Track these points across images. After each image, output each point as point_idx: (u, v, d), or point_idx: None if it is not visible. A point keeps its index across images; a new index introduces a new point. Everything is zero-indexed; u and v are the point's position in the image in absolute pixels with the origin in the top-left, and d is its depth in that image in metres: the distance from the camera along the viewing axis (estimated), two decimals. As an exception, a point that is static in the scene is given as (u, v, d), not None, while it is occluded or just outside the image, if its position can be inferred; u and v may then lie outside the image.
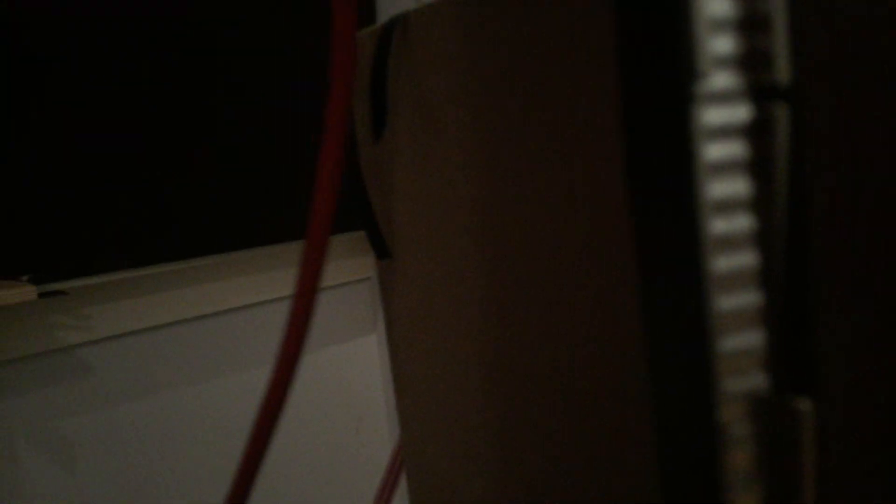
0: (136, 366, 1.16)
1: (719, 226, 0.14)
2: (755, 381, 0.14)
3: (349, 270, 1.39)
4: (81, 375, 1.12)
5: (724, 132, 0.14)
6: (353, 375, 1.42)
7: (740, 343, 0.14)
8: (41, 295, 1.02)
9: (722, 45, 0.13)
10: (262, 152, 1.18)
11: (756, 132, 0.14)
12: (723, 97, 0.14)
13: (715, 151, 0.14)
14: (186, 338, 1.21)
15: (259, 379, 1.27)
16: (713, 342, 0.14)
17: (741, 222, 0.14)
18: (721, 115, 0.14)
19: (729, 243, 0.14)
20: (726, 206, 0.14)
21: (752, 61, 0.14)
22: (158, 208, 1.11)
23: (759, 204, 0.14)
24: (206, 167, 1.15)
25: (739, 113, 0.14)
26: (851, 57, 0.14)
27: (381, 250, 0.40)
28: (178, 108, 1.11)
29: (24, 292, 0.96)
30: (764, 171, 0.14)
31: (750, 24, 0.14)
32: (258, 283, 1.26)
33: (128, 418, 1.16)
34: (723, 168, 0.14)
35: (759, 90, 0.14)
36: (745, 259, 0.14)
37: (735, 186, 0.14)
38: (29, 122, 0.99)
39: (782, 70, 0.14)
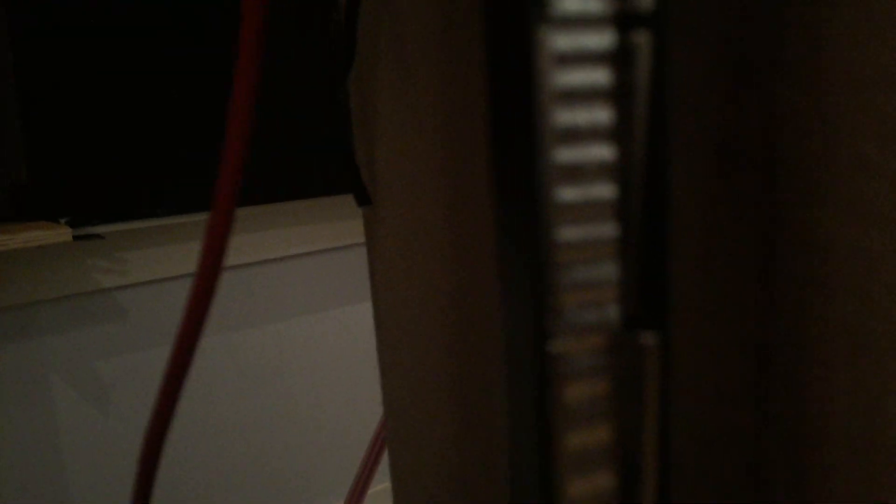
0: (170, 311, 1.21)
1: (570, 155, 0.14)
2: (605, 313, 0.14)
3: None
4: (116, 318, 1.17)
5: (580, 58, 0.14)
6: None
7: (591, 275, 0.14)
8: (78, 238, 1.06)
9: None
10: (308, 107, 1.19)
11: (616, 59, 0.14)
12: (580, 22, 0.14)
13: (569, 78, 0.14)
14: (220, 286, 1.24)
15: (291, 329, 1.30)
16: (553, 271, 0.14)
17: (596, 152, 0.14)
18: (577, 41, 0.14)
19: (582, 174, 0.14)
20: (580, 136, 0.14)
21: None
22: (198, 157, 1.14)
23: (616, 134, 0.14)
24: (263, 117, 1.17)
25: (599, 39, 0.14)
26: None
27: (361, 196, 0.40)
28: (222, 57, 1.13)
29: (60, 233, 1.00)
30: (623, 99, 0.14)
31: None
32: (293, 236, 1.28)
33: (160, 361, 1.21)
34: (578, 95, 0.14)
35: (620, 16, 0.14)
36: (601, 190, 0.14)
37: (590, 115, 0.14)
38: (74, 70, 1.02)
39: (644, -5, 0.14)
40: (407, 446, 0.39)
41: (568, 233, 0.14)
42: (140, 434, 1.20)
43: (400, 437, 0.41)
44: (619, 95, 0.14)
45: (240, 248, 1.24)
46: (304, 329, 1.31)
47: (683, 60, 0.15)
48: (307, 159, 1.21)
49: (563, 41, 0.14)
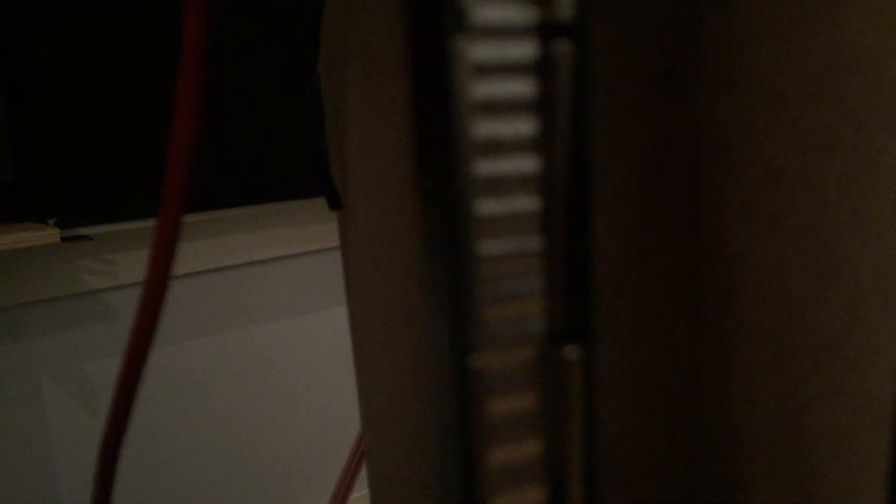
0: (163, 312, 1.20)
1: (492, 167, 0.14)
2: (530, 327, 0.14)
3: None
4: (105, 319, 1.17)
5: (501, 69, 0.14)
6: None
7: (515, 288, 0.14)
8: (66, 239, 1.06)
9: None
10: (294, 110, 1.19)
11: (538, 69, 0.14)
12: (500, 32, 0.14)
13: (489, 89, 0.14)
14: (209, 288, 1.24)
15: (279, 330, 1.30)
16: (475, 285, 0.14)
17: (519, 164, 0.14)
18: (498, 52, 0.14)
19: (505, 186, 0.14)
20: (502, 147, 0.14)
21: (534, -4, 0.13)
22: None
23: (539, 146, 0.14)
24: (236, 121, 1.17)
25: (520, 50, 0.14)
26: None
27: (333, 200, 0.40)
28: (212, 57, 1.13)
29: (48, 235, 1.00)
30: (546, 110, 0.14)
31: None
32: (281, 237, 1.28)
33: (149, 363, 1.21)
34: (499, 106, 0.14)
35: (541, 27, 0.14)
36: (524, 203, 0.14)
37: (513, 127, 0.14)
38: (62, 69, 1.02)
39: (566, 6, 0.14)
40: (383, 453, 0.39)
41: (491, 246, 0.14)
42: (128, 435, 1.20)
43: (376, 444, 0.40)
44: (541, 106, 0.14)
45: (228, 250, 1.24)
46: (292, 330, 1.31)
47: (607, 71, 0.15)
48: (297, 160, 1.21)
49: (482, 52, 0.14)
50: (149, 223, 1.14)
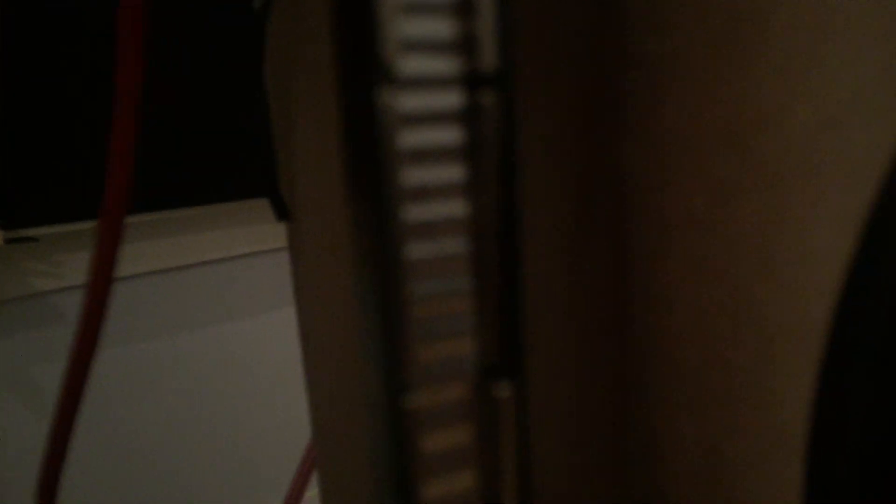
0: (108, 313, 1.19)
1: (422, 212, 0.14)
2: (463, 365, 0.15)
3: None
4: (53, 322, 1.15)
5: (428, 118, 0.14)
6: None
7: (448, 328, 0.15)
8: (11, 241, 1.04)
9: (421, 30, 0.14)
10: (234, 109, 1.18)
11: (466, 118, 0.14)
12: (426, 83, 0.14)
13: (417, 137, 0.14)
14: (157, 289, 1.23)
15: (232, 331, 1.29)
16: (407, 326, 0.14)
17: (449, 209, 0.15)
18: (426, 101, 0.14)
19: (435, 229, 0.14)
20: (431, 193, 0.14)
21: (461, 48, 0.14)
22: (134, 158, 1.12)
23: (468, 191, 0.14)
24: (185, 120, 1.15)
25: (446, 99, 0.14)
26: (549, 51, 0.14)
27: (280, 211, 0.40)
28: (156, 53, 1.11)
29: (-10, 237, 0.98)
30: (473, 157, 0.14)
31: (457, 10, 0.14)
32: (233, 237, 1.27)
33: (98, 366, 1.19)
34: (427, 154, 0.14)
35: (468, 77, 0.14)
36: (454, 246, 0.15)
37: (440, 173, 0.14)
38: (3, 70, 0.99)
39: (490, 57, 0.14)
40: (332, 462, 0.40)
41: (423, 287, 0.15)
42: (78, 441, 1.18)
43: (325, 453, 0.41)
44: (468, 154, 0.14)
45: (180, 250, 1.23)
46: (246, 330, 1.30)
47: (534, 119, 0.15)
48: (248, 160, 1.21)
49: (409, 101, 0.14)
50: (95, 224, 1.12)
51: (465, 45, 0.14)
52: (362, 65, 0.14)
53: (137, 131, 0.23)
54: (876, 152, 0.14)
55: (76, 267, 1.12)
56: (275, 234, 1.30)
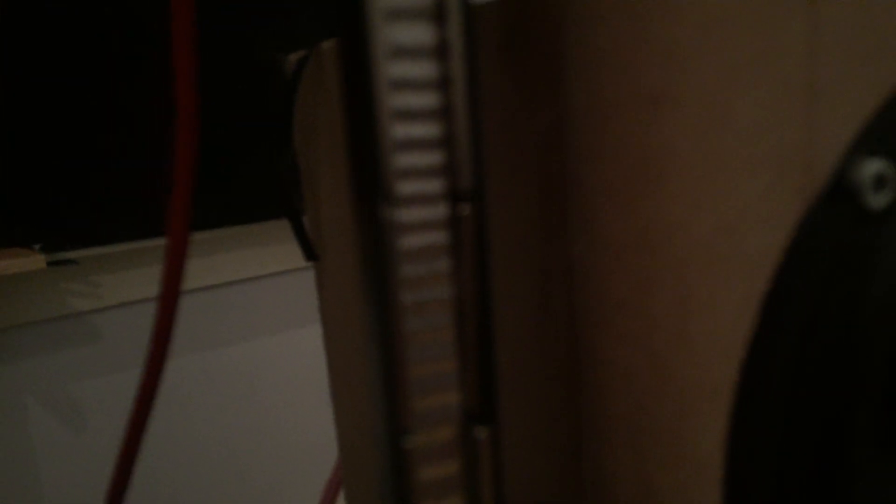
0: (144, 333, 1.25)
1: (417, 296, 0.19)
2: (451, 412, 0.20)
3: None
4: (91, 341, 1.21)
5: (421, 226, 0.19)
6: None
7: (438, 383, 0.19)
8: (52, 263, 1.11)
9: (414, 160, 0.18)
10: (265, 140, 1.24)
11: (451, 226, 0.19)
12: (420, 199, 0.19)
13: (412, 241, 0.19)
14: (193, 307, 1.28)
15: (263, 349, 1.35)
16: (406, 382, 0.19)
17: (439, 292, 0.19)
18: (418, 214, 0.19)
19: (427, 309, 0.19)
20: (424, 281, 0.19)
21: (445, 171, 0.19)
22: (169, 181, 1.18)
23: (454, 279, 0.19)
24: (216, 142, 1.21)
25: (434, 211, 0.19)
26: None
27: (308, 252, 0.45)
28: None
29: (33, 261, 1.04)
30: (455, 255, 0.19)
31: (441, 143, 0.19)
32: (262, 256, 1.33)
33: (135, 383, 1.25)
34: (420, 253, 0.19)
35: (450, 194, 0.19)
36: (442, 321, 0.19)
37: (432, 266, 0.19)
38: (42, 94, 1.06)
39: (467, 178, 0.19)
40: (357, 482, 0.45)
41: (418, 353, 0.19)
42: (116, 455, 1.24)
43: (351, 473, 0.46)
44: (451, 252, 0.19)
45: (209, 270, 1.29)
46: (274, 348, 1.36)
47: (504, 222, 0.20)
48: (276, 182, 1.26)
49: (405, 214, 0.19)
50: (134, 245, 1.18)
51: (449, 170, 0.19)
52: (368, 187, 0.19)
53: (197, 155, 0.28)
54: (767, 252, 0.19)
55: (113, 287, 1.19)
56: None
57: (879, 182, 0.19)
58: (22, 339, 1.13)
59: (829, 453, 0.20)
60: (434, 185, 0.19)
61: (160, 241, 1.19)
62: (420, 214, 0.19)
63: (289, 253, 1.35)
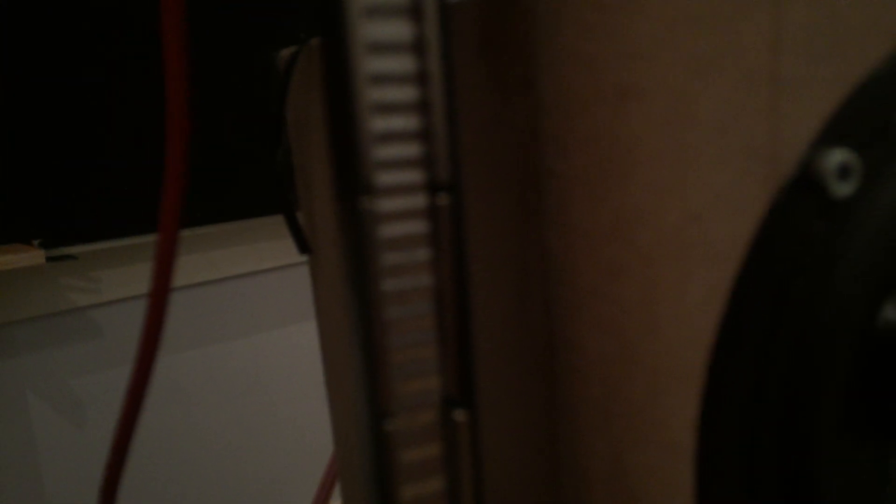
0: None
1: (398, 284, 0.20)
2: (430, 395, 0.20)
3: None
4: (91, 336, 1.22)
5: (401, 216, 0.20)
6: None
7: (419, 369, 0.20)
8: (52, 259, 1.12)
9: (393, 152, 0.19)
10: (261, 136, 1.24)
11: (429, 216, 0.20)
12: (399, 190, 0.20)
13: (393, 229, 0.20)
14: (192, 302, 1.29)
15: (263, 344, 1.35)
16: (387, 368, 0.20)
17: (419, 281, 0.20)
18: (397, 204, 0.20)
19: (408, 298, 0.20)
20: (404, 270, 0.20)
21: (424, 164, 0.20)
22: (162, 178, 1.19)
23: (433, 268, 0.20)
24: (214, 137, 1.22)
25: (415, 202, 0.20)
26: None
27: (302, 246, 0.46)
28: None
29: (32, 256, 1.05)
30: (435, 242, 0.20)
31: (419, 136, 0.19)
32: (261, 252, 1.34)
33: (125, 378, 1.26)
34: (399, 242, 0.20)
35: (428, 185, 0.20)
36: (424, 310, 0.20)
37: (412, 255, 0.20)
38: (42, 89, 1.07)
39: (445, 170, 0.20)
40: (351, 473, 0.46)
41: (400, 340, 0.20)
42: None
43: (345, 464, 0.47)
44: (431, 241, 0.20)
45: (209, 265, 1.30)
46: (274, 343, 1.37)
47: (481, 212, 0.21)
48: (274, 177, 1.27)
49: (385, 205, 0.20)
50: (133, 241, 1.19)
51: (427, 162, 0.20)
52: (349, 179, 0.19)
53: (189, 151, 0.28)
54: (734, 240, 0.20)
55: (113, 283, 1.20)
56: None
57: (843, 171, 0.20)
58: (22, 335, 1.14)
59: (793, 434, 0.20)
60: (413, 177, 0.20)
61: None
62: (399, 204, 0.20)
63: (287, 248, 1.35)
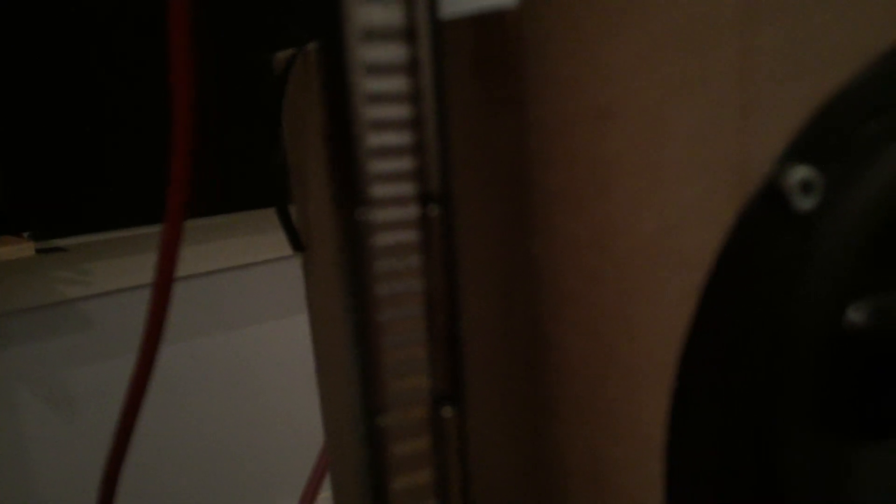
0: (134, 320, 1.27)
1: (391, 288, 0.22)
2: (420, 392, 0.22)
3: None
4: (81, 328, 1.23)
5: (394, 226, 0.21)
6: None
7: (410, 368, 0.22)
8: (42, 251, 1.13)
9: (388, 166, 0.21)
10: (258, 129, 1.25)
11: (421, 226, 0.21)
12: (393, 201, 0.21)
13: (387, 238, 0.21)
14: (182, 295, 1.31)
15: (252, 337, 1.37)
16: (380, 366, 0.21)
17: (411, 285, 0.22)
18: (391, 214, 0.21)
19: (401, 301, 0.22)
20: (398, 275, 0.22)
21: (416, 175, 0.21)
22: (160, 168, 1.20)
23: (424, 274, 0.22)
24: (203, 132, 1.23)
25: (408, 212, 0.21)
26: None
27: (295, 243, 0.48)
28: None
29: (22, 248, 1.06)
30: (425, 249, 0.21)
31: (412, 150, 0.21)
32: (256, 244, 1.35)
33: (125, 370, 1.27)
34: (393, 249, 0.21)
35: (420, 196, 0.21)
36: (415, 312, 0.22)
37: (405, 261, 0.22)
38: (29, 83, 1.07)
39: (436, 182, 0.21)
40: (342, 465, 0.47)
41: (392, 339, 0.22)
42: (107, 442, 1.27)
43: (336, 457, 0.48)
44: (421, 247, 0.22)
45: (201, 257, 1.31)
46: (265, 335, 1.38)
47: (470, 222, 0.23)
48: (267, 170, 1.28)
49: (379, 215, 0.21)
50: (123, 233, 1.20)
51: (420, 175, 0.21)
52: (346, 190, 0.21)
53: (193, 143, 0.30)
54: (704, 249, 0.21)
55: (103, 275, 1.21)
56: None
57: (806, 187, 0.21)
58: (11, 327, 1.15)
59: (759, 429, 0.22)
60: (406, 189, 0.21)
61: (149, 229, 1.20)
62: (393, 215, 0.21)
63: (282, 240, 1.37)
